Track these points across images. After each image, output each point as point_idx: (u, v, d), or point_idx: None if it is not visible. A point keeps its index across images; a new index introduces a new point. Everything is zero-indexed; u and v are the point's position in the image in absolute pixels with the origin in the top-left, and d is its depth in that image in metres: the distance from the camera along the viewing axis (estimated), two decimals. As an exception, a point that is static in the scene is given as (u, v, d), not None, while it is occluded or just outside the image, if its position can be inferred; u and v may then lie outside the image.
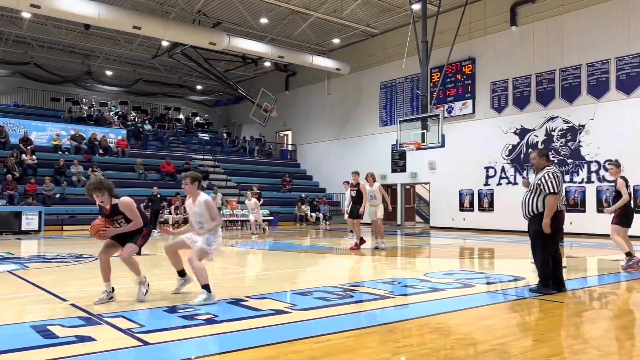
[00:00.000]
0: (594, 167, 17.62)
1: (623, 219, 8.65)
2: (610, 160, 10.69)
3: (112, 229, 5.64)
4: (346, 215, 13.37)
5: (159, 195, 18.63)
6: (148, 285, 5.84)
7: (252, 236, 16.58)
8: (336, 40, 26.06)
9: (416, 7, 19.58)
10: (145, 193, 20.97)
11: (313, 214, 24.86)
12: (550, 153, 18.51)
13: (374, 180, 12.29)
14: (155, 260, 10.51)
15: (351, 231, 16.62)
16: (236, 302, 5.70)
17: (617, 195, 8.68)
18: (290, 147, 31.92)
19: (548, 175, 6.16)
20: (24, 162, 20.55)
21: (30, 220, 17.43)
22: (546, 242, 6.18)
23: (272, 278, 7.97)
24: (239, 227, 21.73)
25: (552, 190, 6.09)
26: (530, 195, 6.31)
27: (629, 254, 8.58)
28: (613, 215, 8.76)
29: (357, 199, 12.07)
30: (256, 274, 8.60)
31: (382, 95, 25.36)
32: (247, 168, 28.44)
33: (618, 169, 8.78)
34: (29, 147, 21.25)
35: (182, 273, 6.33)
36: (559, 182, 6.14)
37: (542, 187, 6.17)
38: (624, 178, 8.71)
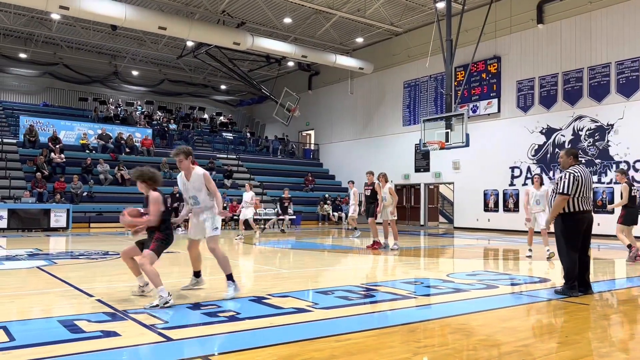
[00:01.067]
0: (623, 167, 17.21)
1: (626, 218, 9.80)
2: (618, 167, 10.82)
3: (127, 219, 5.60)
4: (355, 214, 13.76)
5: (177, 195, 18.80)
6: (166, 301, 5.26)
7: (237, 239, 14.93)
8: (359, 40, 26.01)
9: (440, 5, 19.42)
10: (169, 192, 21.29)
11: (335, 214, 24.85)
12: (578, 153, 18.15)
13: (386, 181, 12.21)
14: (175, 258, 10.65)
15: (355, 228, 16.80)
16: (258, 299, 5.73)
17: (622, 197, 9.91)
18: (313, 147, 31.97)
19: (565, 175, 6.15)
20: (52, 160, 21.02)
21: (58, 217, 17.83)
22: (570, 244, 6.09)
23: (294, 276, 8.00)
24: (262, 226, 21.84)
25: (561, 191, 6.07)
26: (553, 196, 6.28)
27: (630, 246, 9.63)
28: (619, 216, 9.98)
29: (372, 198, 12.10)
30: (278, 272, 8.64)
31: (406, 95, 25.20)
32: (270, 167, 28.59)
33: (623, 175, 10.05)
34: (57, 146, 21.74)
35: (197, 274, 6.32)
36: (575, 184, 6.04)
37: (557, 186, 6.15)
38: (628, 183, 9.89)
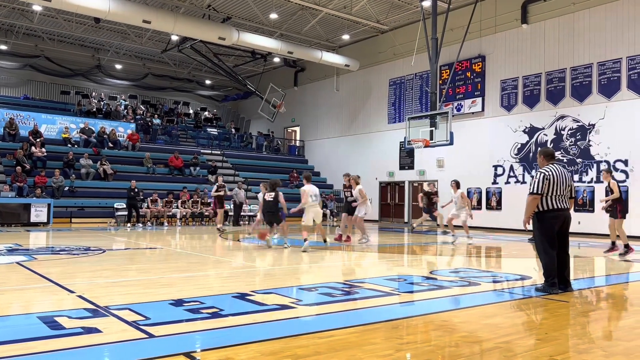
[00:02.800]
0: (603, 166, 17.48)
1: (623, 211, 10.95)
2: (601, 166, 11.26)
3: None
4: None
5: (136, 189, 18.63)
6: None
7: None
8: (346, 37, 26.01)
9: (426, 3, 19.51)
10: (153, 187, 21.13)
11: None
12: (558, 152, 18.42)
13: (357, 184, 13.10)
14: (161, 253, 10.59)
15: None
16: (242, 296, 5.72)
17: (611, 193, 10.84)
18: (298, 143, 31.93)
19: (536, 175, 6.30)
20: (33, 154, 20.69)
21: (39, 212, 17.58)
22: (546, 242, 6.19)
23: (277, 273, 8.00)
24: (246, 222, 21.80)
25: (530, 191, 6.24)
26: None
27: (627, 245, 10.74)
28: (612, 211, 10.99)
29: (353, 200, 13.28)
30: (262, 269, 8.63)
31: (391, 92, 25.29)
32: (255, 163, 28.49)
33: (608, 174, 11.04)
34: (38, 140, 21.39)
35: (325, 240, 10.81)
36: (545, 183, 6.13)
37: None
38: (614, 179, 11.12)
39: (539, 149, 7.79)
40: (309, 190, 11.21)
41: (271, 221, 11.67)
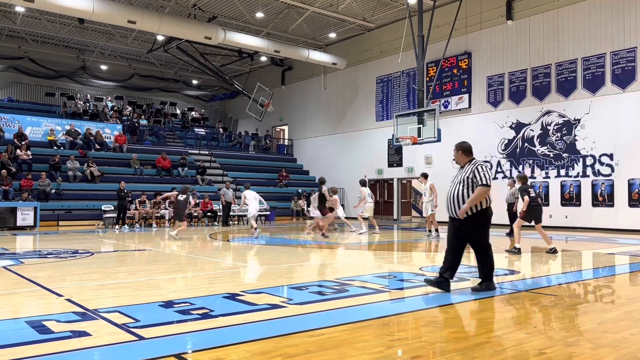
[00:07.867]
0: (589, 161, 17.68)
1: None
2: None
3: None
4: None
5: (125, 190, 18.52)
6: None
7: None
8: (332, 35, 26.02)
9: (412, 1, 19.57)
10: (141, 188, 20.97)
11: (310, 209, 24.84)
12: (545, 147, 18.60)
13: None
14: (150, 255, 10.53)
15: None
16: (232, 296, 5.71)
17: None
18: (286, 142, 31.90)
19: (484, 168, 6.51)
20: (18, 157, 20.46)
21: (25, 215, 17.39)
22: None
23: (268, 273, 7.99)
24: (235, 222, 21.75)
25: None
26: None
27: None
28: None
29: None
30: (252, 269, 8.62)
31: (379, 90, 25.35)
32: (244, 163, 28.43)
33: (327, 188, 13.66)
34: (23, 143, 21.16)
35: (372, 226, 12.24)
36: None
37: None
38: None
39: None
40: (249, 194, 15.01)
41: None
